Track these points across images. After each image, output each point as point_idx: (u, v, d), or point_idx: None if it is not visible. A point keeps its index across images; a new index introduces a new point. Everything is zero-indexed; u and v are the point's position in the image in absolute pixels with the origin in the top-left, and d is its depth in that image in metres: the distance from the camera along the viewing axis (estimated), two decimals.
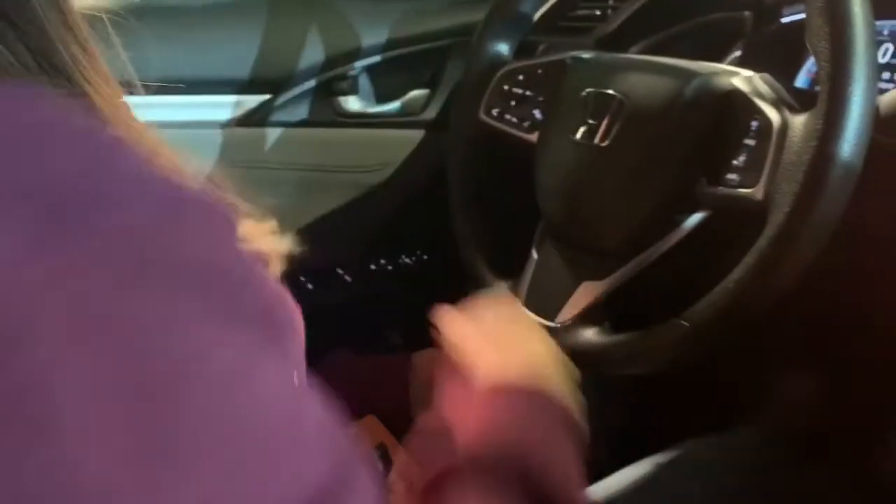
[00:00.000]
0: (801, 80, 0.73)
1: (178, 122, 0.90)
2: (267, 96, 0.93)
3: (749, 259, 0.51)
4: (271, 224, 0.39)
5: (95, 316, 0.22)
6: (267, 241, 0.38)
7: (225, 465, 0.24)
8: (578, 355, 0.62)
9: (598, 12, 0.88)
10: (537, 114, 0.72)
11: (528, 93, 0.73)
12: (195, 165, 0.34)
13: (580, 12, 0.89)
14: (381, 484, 0.31)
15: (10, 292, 0.21)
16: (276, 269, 0.38)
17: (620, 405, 0.79)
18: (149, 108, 0.35)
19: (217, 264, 0.26)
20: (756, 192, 0.52)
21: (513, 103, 0.74)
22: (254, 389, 0.26)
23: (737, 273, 0.52)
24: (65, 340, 0.21)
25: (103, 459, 0.22)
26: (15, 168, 0.23)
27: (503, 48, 0.77)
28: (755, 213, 0.52)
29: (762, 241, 0.51)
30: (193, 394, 0.24)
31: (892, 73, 0.68)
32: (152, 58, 0.40)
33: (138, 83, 0.40)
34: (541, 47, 0.87)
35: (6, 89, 0.27)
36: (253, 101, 0.93)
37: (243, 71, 0.92)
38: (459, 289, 1.09)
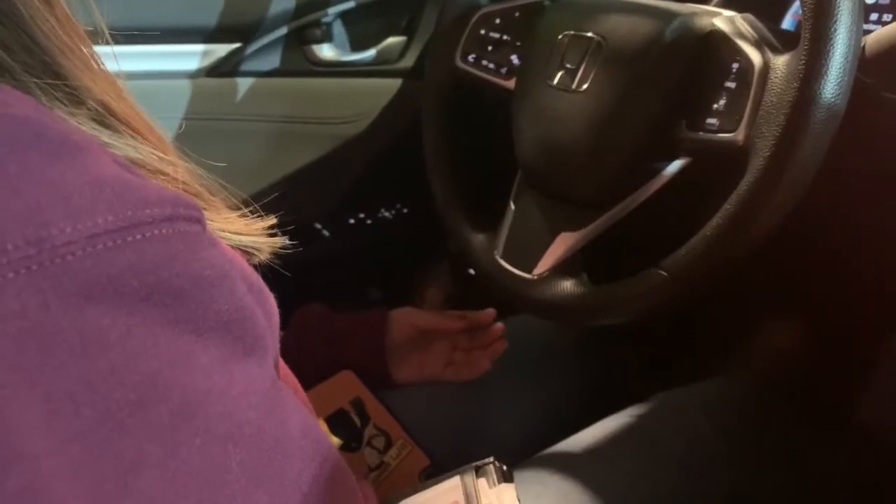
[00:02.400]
0: (787, 23, 0.71)
1: (145, 72, 0.86)
2: (236, 45, 0.90)
3: (729, 205, 0.50)
4: (245, 211, 0.37)
5: (54, 337, 0.20)
6: (244, 230, 0.35)
7: (210, 479, 0.23)
8: (555, 307, 0.61)
9: None
10: (515, 59, 0.70)
11: (505, 37, 0.71)
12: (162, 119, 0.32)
13: None
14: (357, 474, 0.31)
15: None
16: (256, 258, 0.36)
17: (597, 358, 0.78)
18: (115, 58, 0.33)
19: (185, 275, 0.24)
20: (737, 136, 0.50)
21: (490, 48, 0.72)
22: (231, 400, 0.25)
23: (716, 220, 0.51)
24: (23, 367, 0.20)
25: (76, 488, 0.20)
26: None
27: None
28: (736, 159, 0.50)
29: (742, 187, 0.49)
30: (165, 411, 0.22)
31: (880, 13, 0.66)
32: (117, 5, 0.38)
33: (107, 32, 0.37)
34: None
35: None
36: (222, 49, 0.89)
37: (211, 18, 0.88)
38: (438, 243, 1.08)
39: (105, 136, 0.29)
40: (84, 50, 0.30)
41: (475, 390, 0.72)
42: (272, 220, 0.38)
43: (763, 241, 0.51)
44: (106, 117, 0.30)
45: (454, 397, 0.71)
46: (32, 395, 0.20)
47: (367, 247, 1.05)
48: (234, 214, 0.36)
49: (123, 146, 0.30)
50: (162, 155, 0.31)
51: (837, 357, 0.74)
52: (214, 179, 0.36)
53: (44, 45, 0.27)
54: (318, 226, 0.99)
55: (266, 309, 0.29)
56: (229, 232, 0.34)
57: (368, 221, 1.03)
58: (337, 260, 1.02)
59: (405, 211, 1.06)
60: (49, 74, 0.28)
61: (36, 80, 0.27)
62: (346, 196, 0.99)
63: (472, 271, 1.05)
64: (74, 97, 0.29)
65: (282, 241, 0.38)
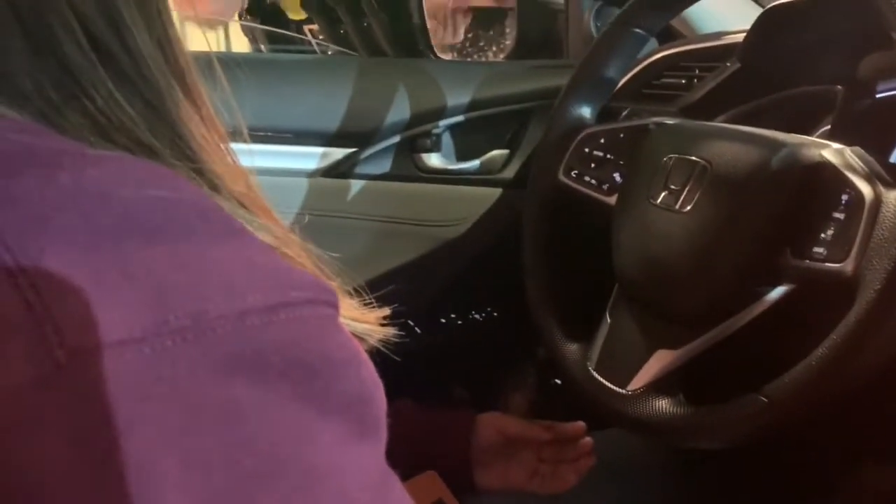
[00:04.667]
0: (895, 157, 0.71)
1: (267, 168, 0.94)
2: (352, 149, 0.97)
3: (835, 336, 0.49)
4: (363, 299, 0.39)
5: (197, 404, 0.22)
6: (361, 317, 0.37)
7: None
8: (649, 425, 0.60)
9: (683, 81, 0.88)
10: (617, 177, 0.72)
11: (608, 156, 0.73)
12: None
13: (665, 80, 0.90)
14: None
15: (115, 375, 0.21)
16: (369, 345, 0.37)
17: (685, 482, 0.75)
18: (244, 155, 0.37)
19: (319, 355, 0.25)
20: (845, 266, 0.50)
21: (592, 165, 0.74)
22: (344, 482, 0.25)
23: (821, 350, 0.50)
24: (167, 429, 0.22)
25: None
26: (126, 246, 0.23)
27: (586, 111, 0.78)
28: (843, 289, 0.50)
29: (850, 319, 0.49)
30: (286, 485, 0.23)
31: None
32: (248, 107, 0.42)
33: (245, 132, 0.41)
34: (624, 113, 0.87)
35: (116, 162, 0.26)
36: (339, 153, 0.97)
37: (332, 124, 0.96)
38: (527, 348, 1.08)
39: (242, 220, 0.32)
40: (222, 146, 0.33)
41: (566, 497, 0.70)
42: (386, 311, 0.40)
43: (869, 376, 0.50)
44: (239, 206, 0.33)
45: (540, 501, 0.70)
46: (173, 456, 0.22)
47: (455, 347, 1.06)
48: (352, 301, 0.38)
49: (258, 230, 0.32)
50: (288, 240, 0.34)
51: None
52: (336, 266, 0.39)
53: (186, 139, 0.31)
54: (411, 322, 1.02)
55: (381, 395, 0.31)
56: (348, 318, 0.36)
57: (459, 322, 1.05)
58: (425, 357, 1.04)
59: (495, 315, 1.07)
60: (190, 163, 0.31)
61: (182, 166, 0.30)
62: (440, 295, 1.01)
63: (558, 381, 1.04)
64: (213, 184, 0.32)
65: (393, 331, 0.40)
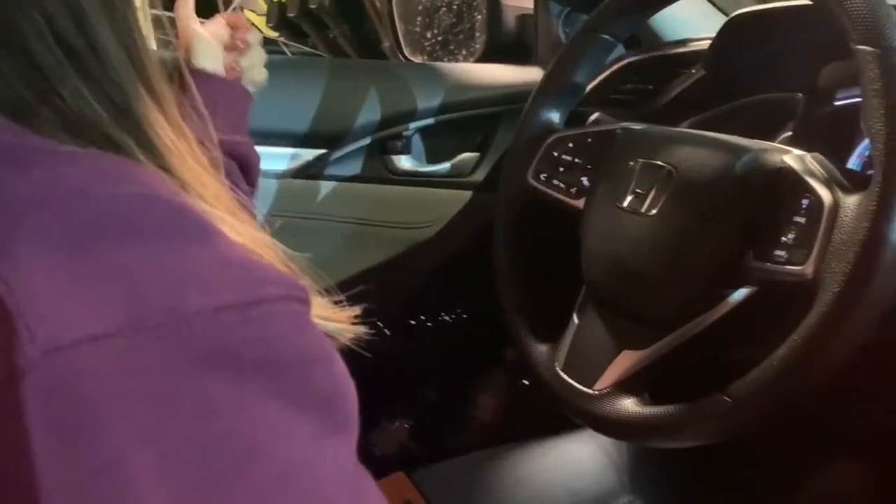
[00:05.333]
0: (853, 162, 0.73)
1: None
2: (323, 151, 0.96)
3: (796, 337, 0.51)
4: (333, 296, 0.39)
5: (173, 399, 0.22)
6: (332, 315, 0.37)
7: None
8: (616, 424, 0.61)
9: (649, 87, 0.90)
10: (585, 181, 0.73)
11: (576, 160, 0.74)
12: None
13: (632, 86, 0.91)
14: None
15: (90, 371, 0.21)
16: (340, 344, 0.38)
17: (654, 478, 0.76)
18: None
19: (292, 351, 0.26)
20: (805, 269, 0.52)
21: (561, 169, 0.75)
22: (319, 476, 0.25)
23: (783, 350, 0.51)
24: (143, 423, 0.22)
25: None
26: (104, 244, 0.23)
27: (554, 116, 0.79)
28: (803, 291, 0.51)
29: (810, 320, 0.50)
30: (261, 479, 0.23)
31: None
32: None
33: (212, 131, 0.41)
34: (591, 118, 0.88)
35: (92, 160, 0.27)
36: (309, 154, 0.96)
37: (302, 125, 0.95)
38: (496, 350, 1.09)
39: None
40: (189, 148, 0.33)
41: (532, 501, 0.71)
42: (356, 310, 0.40)
43: (829, 375, 0.51)
44: (208, 207, 0.33)
45: None
46: (148, 451, 0.22)
47: (425, 348, 1.06)
48: (323, 300, 0.38)
49: (227, 231, 0.32)
50: (257, 240, 0.34)
51: None
52: (306, 266, 0.39)
53: (153, 139, 0.31)
54: (381, 324, 1.02)
55: (353, 392, 0.31)
56: (319, 316, 0.36)
57: (429, 324, 1.05)
58: (395, 359, 1.04)
59: (464, 316, 1.08)
60: (158, 161, 0.31)
61: (151, 165, 0.30)
62: (410, 297, 1.02)
63: (526, 382, 1.05)
64: (181, 184, 0.32)
65: (364, 329, 0.40)
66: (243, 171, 0.67)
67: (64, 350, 0.21)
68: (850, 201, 0.50)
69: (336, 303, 0.39)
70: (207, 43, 0.64)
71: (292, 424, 0.25)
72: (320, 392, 0.27)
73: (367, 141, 0.98)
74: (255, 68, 0.69)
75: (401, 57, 1.27)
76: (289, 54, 1.54)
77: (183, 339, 0.23)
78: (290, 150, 0.96)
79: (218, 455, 0.23)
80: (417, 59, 1.25)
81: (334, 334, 0.37)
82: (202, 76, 0.62)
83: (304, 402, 0.26)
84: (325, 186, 0.97)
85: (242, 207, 0.35)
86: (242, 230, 0.32)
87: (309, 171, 0.96)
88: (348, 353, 0.40)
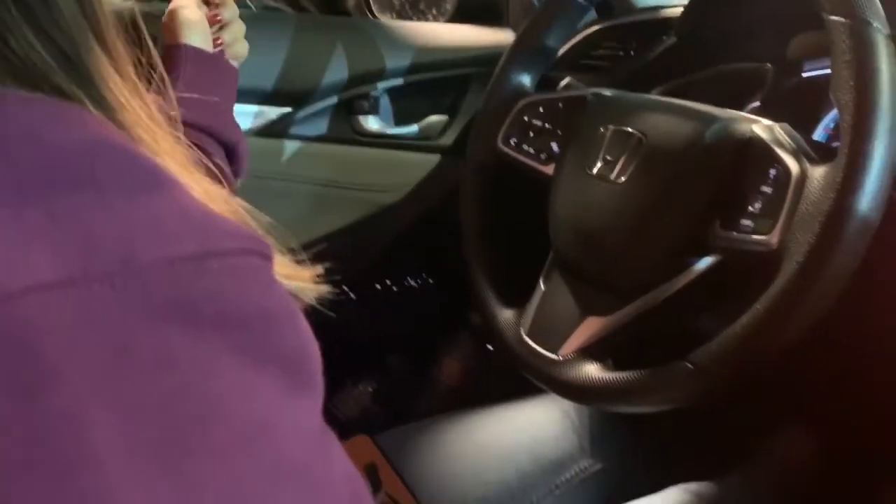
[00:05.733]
0: (818, 135, 0.74)
1: None
2: (288, 109, 0.94)
3: (759, 306, 0.51)
4: (296, 255, 0.39)
5: (129, 351, 0.22)
6: (294, 274, 0.37)
7: None
8: (579, 389, 0.62)
9: (621, 53, 0.89)
10: (555, 146, 0.72)
11: (546, 125, 0.74)
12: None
13: (603, 52, 0.90)
14: None
15: (42, 320, 0.20)
16: (303, 302, 0.37)
17: (615, 443, 0.78)
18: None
19: (253, 306, 0.25)
20: (770, 239, 0.52)
21: (531, 134, 0.75)
22: (282, 436, 0.25)
23: (746, 318, 0.52)
24: (98, 376, 0.21)
25: (133, 498, 0.21)
26: (55, 190, 0.22)
27: (525, 80, 0.78)
28: (768, 260, 0.52)
29: (773, 289, 0.51)
30: (222, 435, 0.23)
31: None
32: None
33: (170, 89, 0.39)
34: (562, 83, 0.88)
35: (44, 105, 0.26)
36: (273, 112, 0.94)
37: (267, 82, 0.93)
38: (461, 315, 1.09)
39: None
40: (144, 105, 0.31)
41: (494, 464, 0.71)
42: (319, 269, 0.40)
43: (791, 343, 0.52)
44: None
45: (471, 467, 0.71)
46: (106, 403, 0.21)
47: (390, 313, 1.06)
48: (285, 259, 0.37)
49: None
50: (213, 195, 0.33)
51: (859, 469, 0.73)
52: (267, 223, 0.38)
53: (104, 93, 0.29)
54: (346, 288, 1.01)
55: (317, 351, 0.30)
56: (281, 275, 0.35)
57: (395, 289, 1.05)
58: (359, 323, 1.03)
59: (430, 281, 1.08)
60: (110, 114, 0.30)
61: (103, 117, 0.29)
62: (376, 262, 1.01)
63: (490, 347, 1.06)
64: (134, 140, 0.30)
65: (328, 289, 0.39)
66: (229, 158, 0.67)
67: (13, 298, 0.20)
68: (817, 172, 0.51)
69: (299, 262, 0.38)
70: (202, 29, 0.64)
71: (255, 382, 0.24)
72: (284, 350, 0.26)
73: (333, 100, 0.95)
74: (238, 42, 0.69)
75: (368, 15, 1.24)
76: (253, 9, 1.49)
77: (138, 289, 0.22)
78: (253, 108, 0.93)
79: (176, 410, 0.22)
80: (386, 18, 1.22)
81: (297, 293, 0.37)
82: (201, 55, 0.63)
83: (268, 359, 0.25)
84: (290, 146, 0.95)
85: (206, 170, 0.34)
86: (197, 185, 0.31)
87: (273, 130, 0.94)
88: (312, 315, 0.39)
